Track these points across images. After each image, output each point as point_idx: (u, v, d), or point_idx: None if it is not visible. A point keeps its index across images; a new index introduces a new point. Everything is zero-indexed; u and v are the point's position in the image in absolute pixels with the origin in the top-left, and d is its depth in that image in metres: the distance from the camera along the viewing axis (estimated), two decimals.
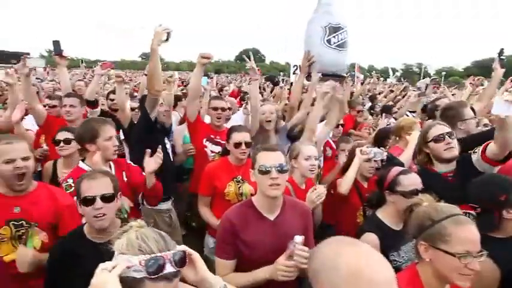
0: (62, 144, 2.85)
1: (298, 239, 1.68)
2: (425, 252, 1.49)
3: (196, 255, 1.24)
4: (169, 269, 1.08)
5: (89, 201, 1.73)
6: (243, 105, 4.85)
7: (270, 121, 3.41)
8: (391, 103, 7.27)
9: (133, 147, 3.30)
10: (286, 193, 2.25)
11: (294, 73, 8.71)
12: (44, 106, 4.16)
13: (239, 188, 2.77)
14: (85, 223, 1.86)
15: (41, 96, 5.71)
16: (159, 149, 2.46)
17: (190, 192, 3.41)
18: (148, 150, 2.41)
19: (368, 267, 0.90)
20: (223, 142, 3.31)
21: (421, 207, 1.64)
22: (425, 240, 1.49)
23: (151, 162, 2.41)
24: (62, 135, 2.88)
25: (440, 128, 2.43)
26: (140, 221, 1.20)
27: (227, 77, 25.90)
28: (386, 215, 2.19)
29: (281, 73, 16.46)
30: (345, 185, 2.74)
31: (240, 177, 2.78)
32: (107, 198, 1.76)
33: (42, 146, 3.70)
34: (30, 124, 3.94)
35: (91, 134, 2.37)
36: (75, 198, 2.11)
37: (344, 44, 3.31)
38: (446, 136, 2.36)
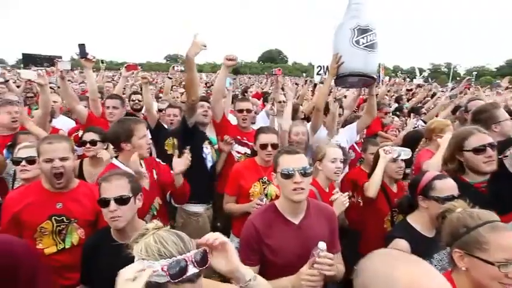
0: (88, 145, 2.94)
1: (322, 245, 1.62)
2: (461, 261, 1.42)
3: (229, 245, 1.21)
4: (192, 270, 1.06)
5: (104, 203, 1.77)
6: (266, 106, 4.86)
7: (301, 143, 3.39)
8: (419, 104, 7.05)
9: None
10: (312, 196, 2.22)
11: (317, 74, 8.63)
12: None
13: (264, 188, 2.77)
14: None
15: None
16: (187, 150, 2.50)
17: (217, 193, 3.44)
18: (176, 151, 2.48)
19: (425, 278, 0.88)
20: (251, 143, 3.34)
21: (454, 214, 1.56)
22: (460, 248, 1.42)
23: (180, 163, 2.46)
24: (88, 136, 2.98)
25: (482, 137, 2.22)
26: (157, 222, 1.20)
27: (249, 78, 25.98)
28: (418, 221, 2.09)
29: (304, 74, 16.30)
30: (372, 188, 2.66)
31: (266, 178, 2.78)
32: (121, 201, 1.77)
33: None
34: (60, 124, 4.13)
35: (127, 133, 2.42)
36: None
37: (373, 45, 3.22)
38: (488, 148, 2.17)
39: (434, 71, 67.66)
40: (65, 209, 2.07)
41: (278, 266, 1.81)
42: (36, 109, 4.31)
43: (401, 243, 1.93)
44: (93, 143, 2.95)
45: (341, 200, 2.33)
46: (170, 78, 6.18)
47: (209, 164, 3.21)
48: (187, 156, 2.48)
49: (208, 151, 3.24)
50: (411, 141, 3.82)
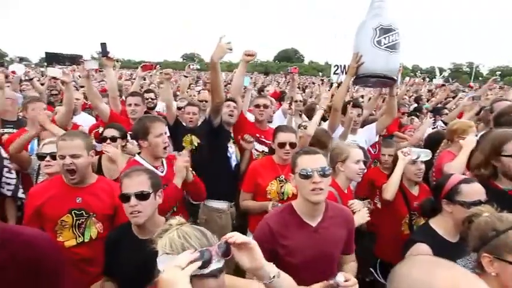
0: (108, 141, 3.00)
1: (340, 278, 1.56)
2: (490, 266, 1.36)
3: (254, 244, 1.21)
4: (215, 262, 1.07)
5: (125, 199, 1.80)
6: (282, 105, 4.84)
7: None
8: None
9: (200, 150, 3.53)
10: (332, 198, 2.18)
11: (334, 73, 8.54)
12: None
13: (281, 187, 2.76)
14: None
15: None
16: (184, 152, 2.53)
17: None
18: (179, 153, 2.54)
19: (466, 283, 0.85)
20: (268, 142, 3.33)
21: (482, 218, 1.50)
22: (489, 253, 1.37)
23: (180, 160, 2.44)
24: (108, 133, 3.04)
25: None
26: (180, 218, 1.21)
27: (265, 77, 25.92)
28: (441, 225, 2.01)
29: (320, 73, 16.17)
30: (389, 190, 2.60)
31: (283, 177, 2.77)
32: (142, 196, 1.80)
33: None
34: (81, 120, 4.24)
35: (143, 130, 2.47)
36: None
37: (395, 45, 3.14)
38: None
39: (456, 70, 65.76)
40: (84, 204, 2.12)
41: (294, 267, 1.77)
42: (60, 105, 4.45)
43: (423, 248, 1.87)
44: (113, 139, 3.01)
45: (363, 214, 2.30)
46: (186, 77, 6.24)
47: (233, 163, 3.22)
48: (185, 153, 2.50)
49: (232, 150, 3.26)
50: (432, 142, 3.72)
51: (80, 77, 8.57)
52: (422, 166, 2.73)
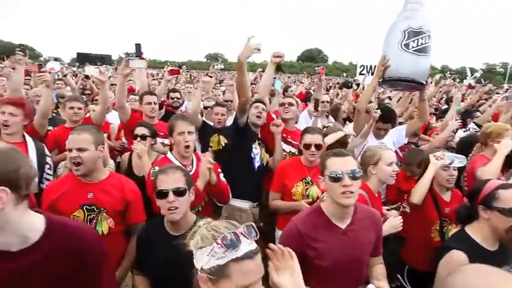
0: (138, 139, 3.09)
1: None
2: None
3: (296, 262, 1.29)
4: (246, 244, 1.11)
5: (162, 195, 1.84)
6: (308, 106, 4.82)
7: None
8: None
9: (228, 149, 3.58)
10: (363, 201, 2.15)
11: (360, 73, 8.42)
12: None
13: (306, 189, 2.75)
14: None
15: None
16: (208, 153, 2.52)
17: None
18: (203, 154, 2.54)
19: None
20: (295, 142, 3.33)
21: None
22: None
23: (203, 162, 2.44)
24: (140, 131, 3.14)
25: None
26: (207, 218, 1.25)
27: (289, 77, 25.83)
28: (478, 232, 1.93)
29: (344, 73, 15.90)
30: (417, 194, 2.51)
31: (310, 179, 2.76)
32: (179, 192, 1.84)
33: (121, 139, 4.10)
34: (112, 119, 4.40)
35: (170, 128, 2.59)
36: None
37: (424, 49, 3.02)
38: None
39: (488, 71, 62.72)
40: (95, 199, 2.14)
41: (322, 269, 1.79)
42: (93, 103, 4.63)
43: (459, 256, 1.80)
44: (143, 137, 3.10)
45: (395, 224, 2.26)
46: (210, 77, 6.33)
47: (257, 164, 3.22)
48: (209, 154, 2.50)
49: (257, 151, 3.26)
50: (465, 146, 3.59)
51: (110, 77, 8.94)
52: (455, 172, 2.61)
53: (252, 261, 1.11)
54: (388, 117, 3.50)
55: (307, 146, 2.77)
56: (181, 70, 6.44)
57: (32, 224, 1.24)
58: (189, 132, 2.53)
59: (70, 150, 2.12)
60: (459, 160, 2.55)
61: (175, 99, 5.01)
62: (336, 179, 1.73)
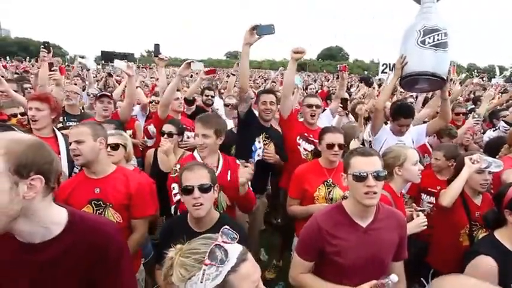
0: (165, 136, 3.19)
1: (394, 278, 1.52)
2: None
3: None
4: (230, 248, 1.05)
5: (188, 191, 1.87)
6: (330, 104, 4.78)
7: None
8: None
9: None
10: (386, 203, 2.11)
11: (382, 72, 8.24)
12: (151, 102, 4.72)
13: (329, 192, 2.68)
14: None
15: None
16: (252, 162, 2.48)
17: (278, 188, 3.50)
18: (242, 161, 2.47)
19: None
20: (316, 141, 3.32)
21: None
22: None
23: (245, 173, 2.38)
24: (166, 128, 3.23)
25: None
26: (178, 246, 1.16)
27: (308, 76, 25.58)
28: (507, 237, 1.86)
29: (365, 72, 15.61)
30: (447, 197, 2.43)
31: (331, 181, 2.70)
32: (204, 189, 1.87)
33: (144, 137, 4.21)
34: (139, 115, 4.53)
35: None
36: (173, 185, 2.35)
37: (441, 44, 2.99)
38: None
39: None
40: (102, 194, 2.17)
41: (342, 267, 1.78)
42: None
43: (487, 261, 1.75)
44: (170, 134, 3.19)
45: (419, 222, 2.21)
46: (233, 75, 6.38)
47: (256, 158, 3.16)
48: (251, 167, 2.42)
49: (259, 145, 3.20)
50: (492, 147, 3.46)
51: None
52: (490, 176, 2.50)
53: (247, 262, 1.07)
54: (408, 113, 3.43)
55: (331, 146, 2.70)
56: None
57: (56, 217, 1.26)
58: (203, 135, 2.49)
59: (70, 143, 2.21)
60: (496, 165, 2.44)
61: (210, 97, 5.11)
62: (360, 179, 1.71)
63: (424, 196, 3.23)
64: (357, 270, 1.77)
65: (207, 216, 1.90)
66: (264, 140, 3.26)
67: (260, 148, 3.21)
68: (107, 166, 2.29)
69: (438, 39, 2.99)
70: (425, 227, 2.25)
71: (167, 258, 1.13)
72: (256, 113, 3.38)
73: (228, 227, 1.12)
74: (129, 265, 1.47)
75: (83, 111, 4.53)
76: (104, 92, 3.97)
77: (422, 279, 2.65)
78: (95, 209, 2.17)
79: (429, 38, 3.00)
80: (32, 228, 1.19)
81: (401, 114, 3.38)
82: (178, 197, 2.31)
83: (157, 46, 4.34)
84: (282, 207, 3.28)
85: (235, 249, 1.06)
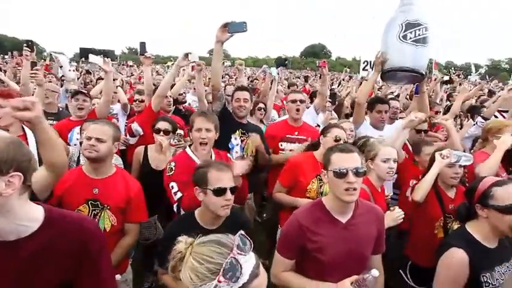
0: (161, 133, 3.13)
1: (374, 273, 1.55)
2: None
3: None
4: (245, 262, 1.01)
5: (220, 192, 1.90)
6: (315, 101, 4.81)
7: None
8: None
9: None
10: (364, 196, 2.15)
11: (363, 69, 8.35)
12: (134, 101, 4.62)
13: (320, 186, 2.72)
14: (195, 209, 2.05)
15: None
16: (250, 157, 2.51)
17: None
18: (239, 155, 2.54)
19: None
20: (303, 137, 3.32)
21: None
22: None
23: (240, 165, 2.42)
24: (162, 125, 3.16)
25: None
26: (185, 238, 1.14)
27: (290, 72, 25.66)
28: (477, 230, 1.91)
29: (348, 69, 15.76)
30: (419, 191, 2.49)
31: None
32: (234, 190, 1.95)
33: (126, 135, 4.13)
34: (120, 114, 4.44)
35: (190, 124, 2.61)
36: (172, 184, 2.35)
37: (423, 39, 3.07)
38: None
39: (493, 67, 62.05)
40: (100, 195, 2.16)
41: (323, 263, 1.81)
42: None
43: (459, 254, 1.80)
44: (166, 132, 3.14)
45: (395, 216, 2.26)
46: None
47: (235, 155, 3.14)
48: (248, 160, 2.49)
49: (236, 142, 3.19)
50: (472, 142, 3.58)
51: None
52: (461, 170, 2.58)
53: (259, 277, 1.05)
54: (382, 100, 3.62)
55: (337, 140, 2.70)
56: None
57: (32, 214, 1.25)
58: (206, 130, 2.50)
59: (89, 138, 2.16)
60: (466, 158, 2.51)
61: (181, 95, 5.07)
62: (340, 175, 1.74)
63: None
64: (337, 266, 1.79)
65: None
66: (241, 136, 3.25)
67: (238, 145, 3.20)
68: (108, 167, 2.27)
69: (419, 34, 3.05)
70: (402, 220, 2.29)
71: (175, 251, 1.09)
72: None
73: (243, 234, 1.09)
74: (109, 260, 1.47)
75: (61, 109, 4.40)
76: (79, 89, 3.83)
77: (400, 271, 2.73)
78: (91, 209, 2.14)
79: (411, 32, 3.05)
80: (6, 225, 1.17)
81: (376, 101, 3.54)
82: (179, 194, 2.34)
83: (143, 44, 4.21)
84: (268, 203, 3.28)
85: (249, 265, 1.03)
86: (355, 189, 1.73)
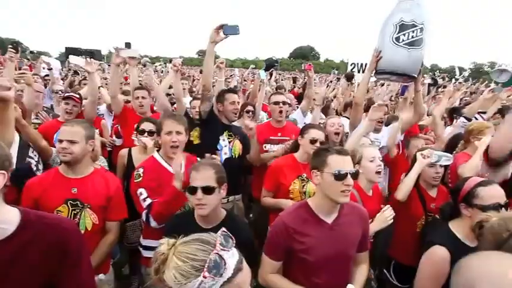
0: (146, 134, 3.09)
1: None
2: None
3: None
4: (228, 257, 1.02)
5: (192, 191, 1.93)
6: (302, 103, 4.84)
7: (338, 133, 3.46)
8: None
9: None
10: (352, 199, 2.18)
11: (351, 71, 8.44)
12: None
13: (303, 186, 2.75)
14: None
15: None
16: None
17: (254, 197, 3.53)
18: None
19: None
20: (286, 138, 3.32)
21: (493, 221, 1.47)
22: None
23: (174, 163, 2.35)
24: (147, 126, 3.13)
25: None
26: (166, 239, 1.10)
27: (279, 74, 25.70)
28: (460, 229, 1.96)
29: (336, 71, 15.88)
30: (401, 191, 2.54)
31: (305, 176, 2.75)
32: (207, 190, 1.91)
33: (112, 136, 4.08)
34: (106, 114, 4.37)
35: (158, 127, 2.57)
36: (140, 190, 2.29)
37: (416, 42, 3.01)
38: None
39: (476, 70, 63.62)
40: (80, 194, 2.13)
41: (310, 263, 1.83)
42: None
43: (441, 251, 1.84)
44: (150, 132, 3.10)
45: (385, 216, 2.29)
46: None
47: (224, 156, 3.15)
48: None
49: (225, 143, 3.19)
50: (453, 143, 3.60)
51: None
52: (441, 170, 2.65)
53: (243, 271, 1.05)
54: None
55: (314, 141, 2.73)
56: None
57: (8, 216, 1.23)
58: (177, 132, 2.44)
59: (61, 141, 2.13)
60: (446, 158, 2.57)
61: (171, 95, 4.99)
62: (340, 177, 1.76)
63: None
64: (324, 266, 1.82)
65: (213, 214, 1.95)
66: (228, 138, 3.25)
67: (226, 146, 3.20)
68: (86, 166, 2.24)
69: (413, 37, 3.00)
70: (392, 220, 2.33)
71: (157, 252, 1.06)
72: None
73: (226, 231, 1.09)
74: (88, 260, 1.47)
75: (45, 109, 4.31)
76: (71, 94, 3.74)
77: (384, 270, 2.77)
78: (71, 209, 2.11)
79: (404, 35, 3.01)
80: None
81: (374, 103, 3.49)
82: (148, 201, 2.27)
83: (128, 45, 4.16)
84: (255, 205, 3.29)
85: (233, 261, 1.04)
86: (349, 190, 1.78)
